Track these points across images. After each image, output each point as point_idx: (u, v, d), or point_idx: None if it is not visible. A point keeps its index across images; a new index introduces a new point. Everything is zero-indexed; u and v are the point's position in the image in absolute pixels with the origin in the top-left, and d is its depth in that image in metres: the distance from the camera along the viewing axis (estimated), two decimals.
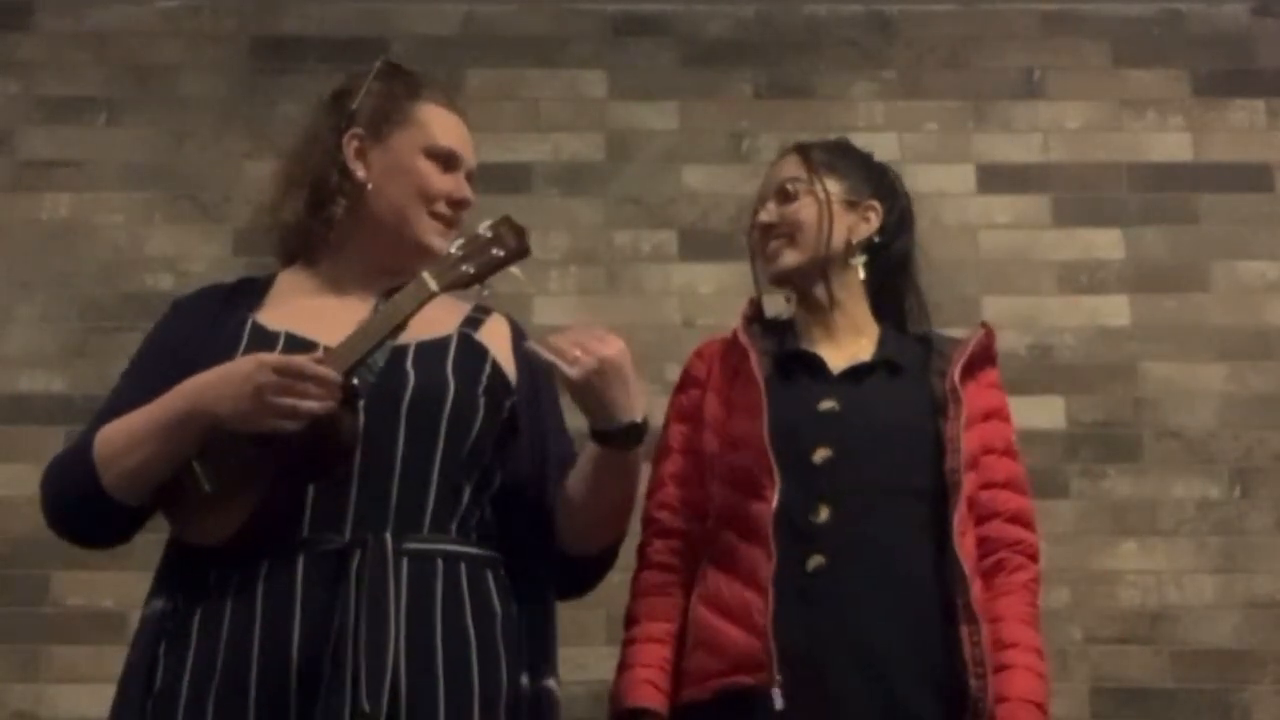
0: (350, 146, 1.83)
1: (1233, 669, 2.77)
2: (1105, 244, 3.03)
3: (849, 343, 1.99)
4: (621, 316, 2.95)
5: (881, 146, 2.32)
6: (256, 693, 1.58)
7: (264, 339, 1.72)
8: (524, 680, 1.72)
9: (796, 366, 1.97)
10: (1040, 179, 3.08)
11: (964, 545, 1.83)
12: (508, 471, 1.81)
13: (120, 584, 2.68)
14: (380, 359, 1.70)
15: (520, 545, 1.79)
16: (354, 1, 3.15)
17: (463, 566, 1.70)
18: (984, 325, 2.03)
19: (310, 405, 1.56)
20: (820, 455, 1.86)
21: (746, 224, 2.09)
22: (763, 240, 2.04)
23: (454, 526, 1.71)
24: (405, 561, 1.64)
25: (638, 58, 3.15)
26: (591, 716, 2.07)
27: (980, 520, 1.89)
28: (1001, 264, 3.02)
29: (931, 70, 3.16)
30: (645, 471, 1.89)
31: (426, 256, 1.76)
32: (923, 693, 1.77)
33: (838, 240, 1.99)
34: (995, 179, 3.08)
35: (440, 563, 1.68)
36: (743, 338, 1.98)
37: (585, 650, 2.40)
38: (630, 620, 1.95)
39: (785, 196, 2.02)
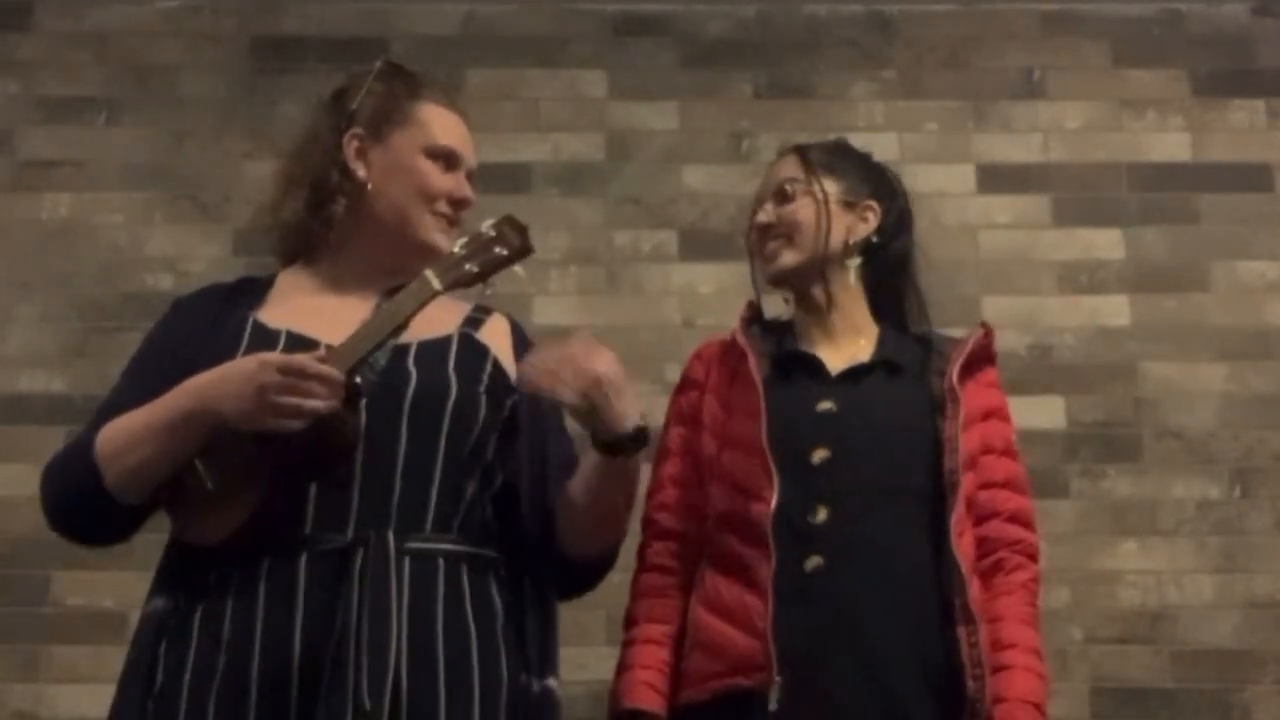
0: (351, 146, 1.83)
1: (1233, 669, 2.77)
2: (1105, 244, 3.03)
3: (848, 343, 1.99)
4: (621, 316, 2.95)
5: (881, 146, 2.32)
6: (258, 691, 1.57)
7: (265, 337, 1.72)
8: (525, 680, 1.73)
9: (795, 368, 1.96)
10: (1040, 179, 3.08)
11: (961, 545, 1.83)
12: (509, 471, 1.81)
13: (120, 584, 2.68)
14: (382, 358, 1.70)
15: (521, 545, 1.79)
16: (354, 1, 3.16)
17: (464, 566, 1.70)
18: (983, 325, 2.03)
19: (314, 404, 1.56)
20: (818, 456, 1.86)
21: (746, 224, 2.09)
22: (761, 241, 2.04)
23: (456, 526, 1.71)
24: (407, 561, 1.64)
25: (638, 58, 3.15)
26: (591, 716, 2.07)
27: (979, 520, 1.89)
28: (1001, 264, 3.02)
29: (931, 70, 3.16)
30: (645, 473, 1.89)
31: (427, 255, 1.76)
32: (921, 693, 1.77)
33: (836, 240, 1.99)
34: (995, 179, 3.08)
35: (442, 562, 1.68)
36: (741, 339, 1.98)
37: (585, 650, 2.40)
38: (629, 622, 1.95)
39: (783, 197, 2.02)
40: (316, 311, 1.77)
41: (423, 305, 1.64)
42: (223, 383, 1.60)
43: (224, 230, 3.00)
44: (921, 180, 2.70)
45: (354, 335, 1.62)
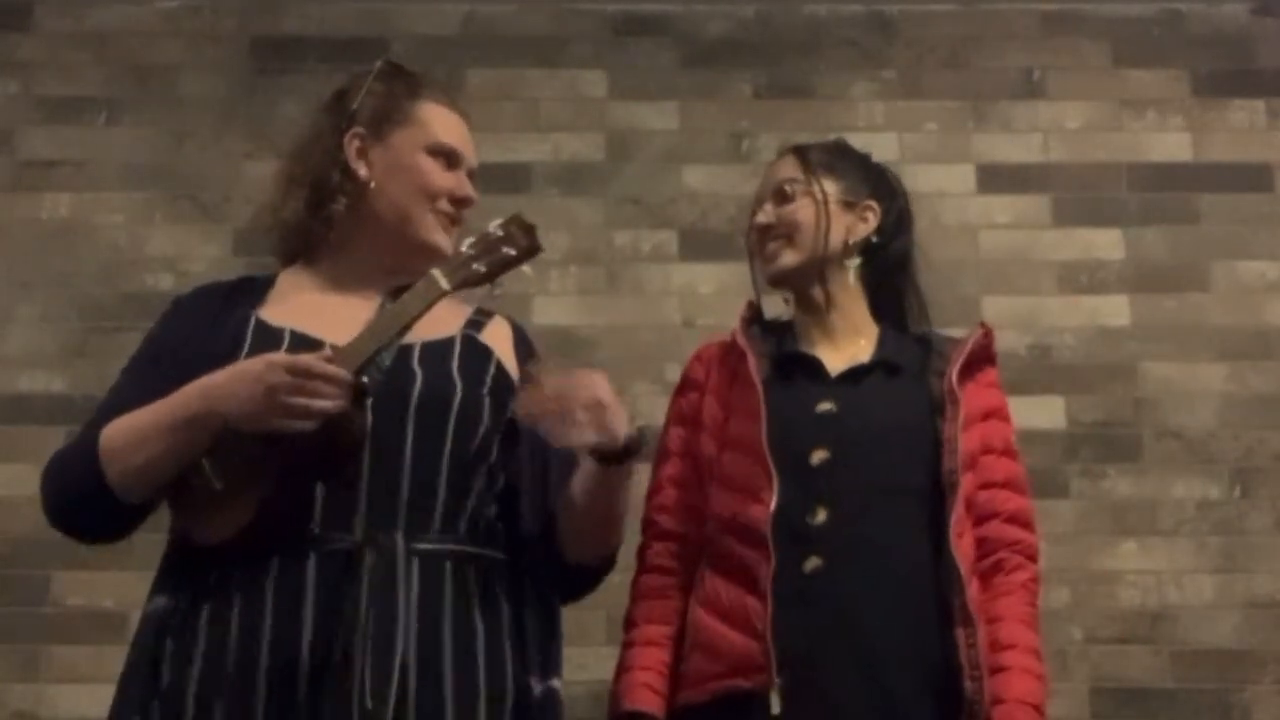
0: (351, 146, 1.82)
1: (1233, 669, 2.77)
2: (1105, 244, 3.03)
3: (847, 344, 1.99)
4: (621, 316, 2.95)
5: (881, 147, 2.32)
6: (265, 690, 1.57)
7: (268, 335, 1.72)
8: (530, 681, 1.72)
9: (795, 368, 1.96)
10: (1040, 179, 3.08)
11: (960, 546, 1.82)
12: (510, 473, 1.81)
13: (120, 584, 2.68)
14: (388, 358, 1.69)
15: (523, 547, 1.79)
16: (354, 1, 3.16)
17: (471, 567, 1.70)
18: (983, 325, 2.03)
19: (323, 405, 1.55)
20: (818, 457, 1.86)
21: (746, 224, 2.09)
22: (760, 241, 2.04)
23: (462, 526, 1.71)
24: (416, 562, 1.64)
25: (638, 58, 3.15)
26: (591, 716, 2.07)
27: (979, 520, 1.89)
28: (1001, 264, 3.02)
29: (931, 70, 3.16)
30: (645, 474, 1.88)
31: (429, 254, 1.77)
32: (920, 694, 1.77)
33: (835, 241, 1.99)
34: (995, 179, 3.08)
35: (449, 563, 1.68)
36: (741, 340, 1.98)
37: (585, 650, 2.39)
38: (629, 623, 1.95)
39: (782, 197, 2.02)
40: (318, 310, 1.77)
41: (430, 305, 1.64)
42: (230, 384, 1.60)
43: (224, 230, 3.00)
44: (921, 180, 2.70)
45: (360, 335, 1.61)
